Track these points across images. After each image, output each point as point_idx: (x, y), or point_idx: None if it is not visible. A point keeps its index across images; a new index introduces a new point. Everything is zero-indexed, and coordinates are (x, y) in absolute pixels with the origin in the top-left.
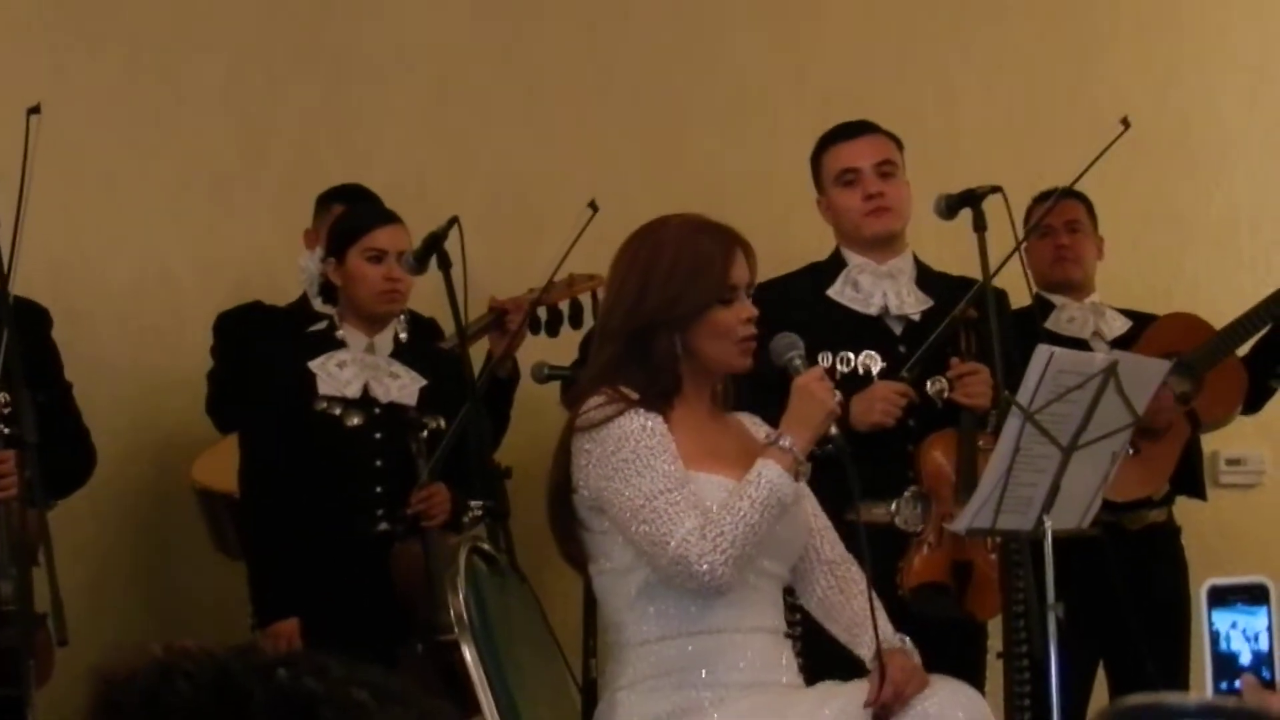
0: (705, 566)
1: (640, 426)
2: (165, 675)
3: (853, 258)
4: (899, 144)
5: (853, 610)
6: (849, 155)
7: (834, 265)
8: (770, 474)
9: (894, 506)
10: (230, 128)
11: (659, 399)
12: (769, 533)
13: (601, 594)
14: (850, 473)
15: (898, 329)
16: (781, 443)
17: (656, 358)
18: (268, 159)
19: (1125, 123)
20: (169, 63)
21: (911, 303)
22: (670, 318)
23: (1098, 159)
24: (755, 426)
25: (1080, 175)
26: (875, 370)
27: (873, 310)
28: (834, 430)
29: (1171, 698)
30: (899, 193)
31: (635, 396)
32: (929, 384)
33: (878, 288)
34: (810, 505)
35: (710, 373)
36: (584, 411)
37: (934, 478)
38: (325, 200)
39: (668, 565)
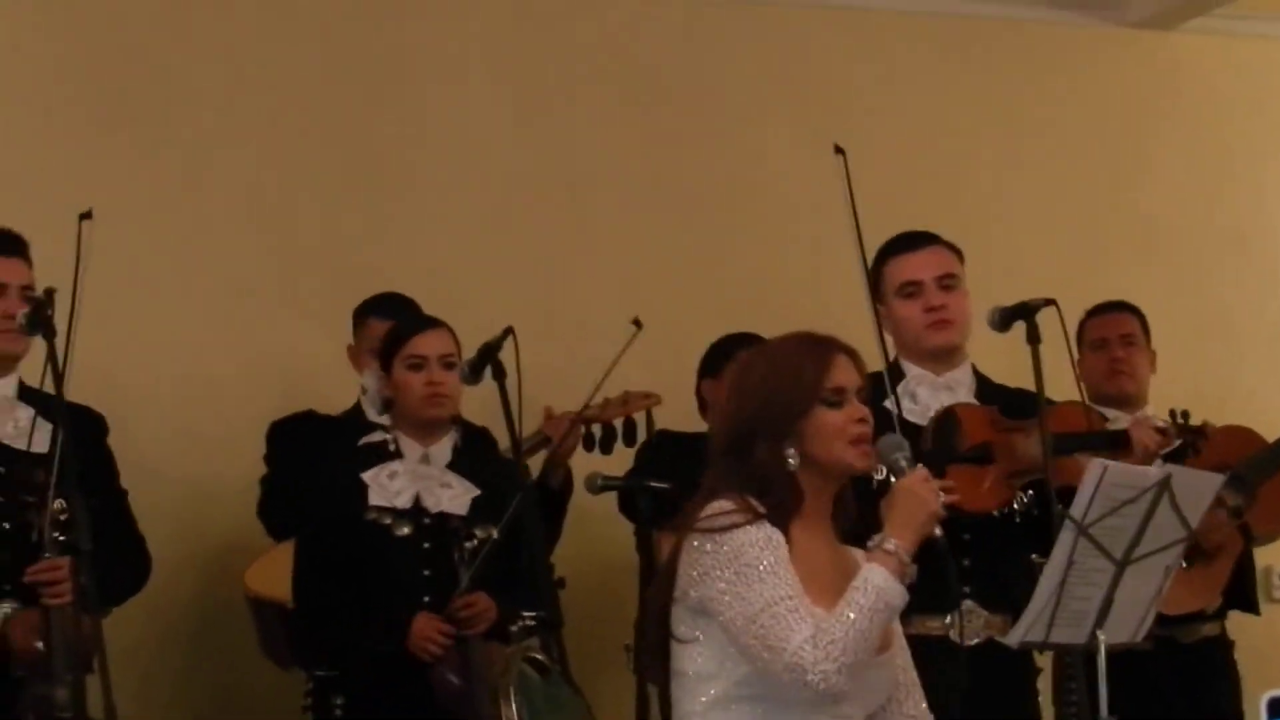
0: (819, 675)
1: (765, 537)
2: None
3: (911, 369)
4: (960, 255)
5: None
6: (912, 267)
7: (892, 376)
8: (876, 578)
9: (949, 620)
10: (276, 235)
11: (779, 513)
12: (877, 638)
13: (677, 700)
14: (950, 574)
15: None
16: (886, 546)
17: (763, 466)
18: (314, 267)
19: None
20: (215, 170)
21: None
22: (770, 421)
23: None
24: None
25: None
26: None
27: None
28: (939, 532)
29: None
30: (960, 305)
31: (762, 510)
32: None
33: (936, 399)
34: (903, 659)
35: (830, 481)
36: (708, 515)
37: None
38: (362, 313)
39: (782, 672)
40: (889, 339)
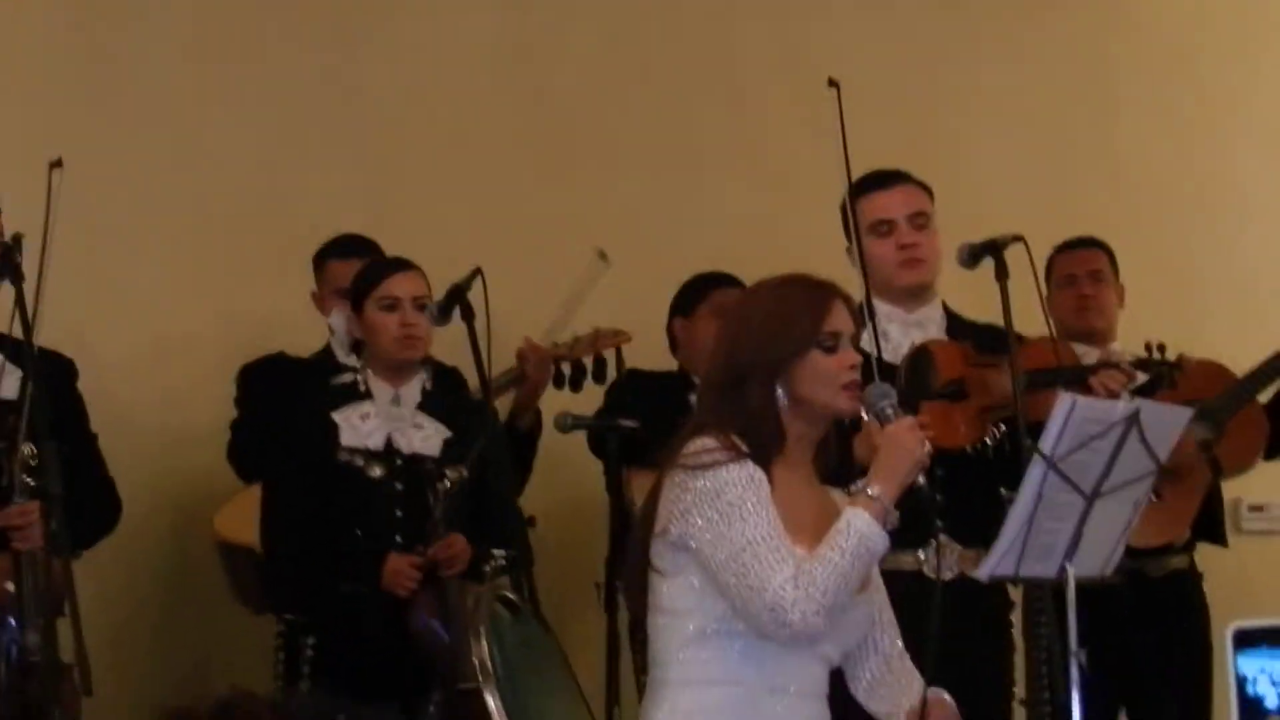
0: (798, 615)
1: (748, 475)
2: (226, 713)
3: (881, 307)
4: (930, 194)
5: (899, 689)
6: (883, 205)
7: (861, 314)
8: (859, 523)
9: (922, 555)
10: (247, 183)
11: (763, 452)
12: (857, 582)
13: (654, 633)
14: (933, 523)
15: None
16: (870, 491)
17: (753, 405)
18: (285, 213)
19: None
20: (185, 121)
21: None
22: (765, 363)
23: None
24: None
25: None
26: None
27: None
28: (922, 480)
29: None
30: (932, 243)
31: (745, 448)
32: None
33: (907, 337)
34: (880, 598)
35: (816, 424)
36: (691, 452)
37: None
38: (322, 255)
39: (760, 611)
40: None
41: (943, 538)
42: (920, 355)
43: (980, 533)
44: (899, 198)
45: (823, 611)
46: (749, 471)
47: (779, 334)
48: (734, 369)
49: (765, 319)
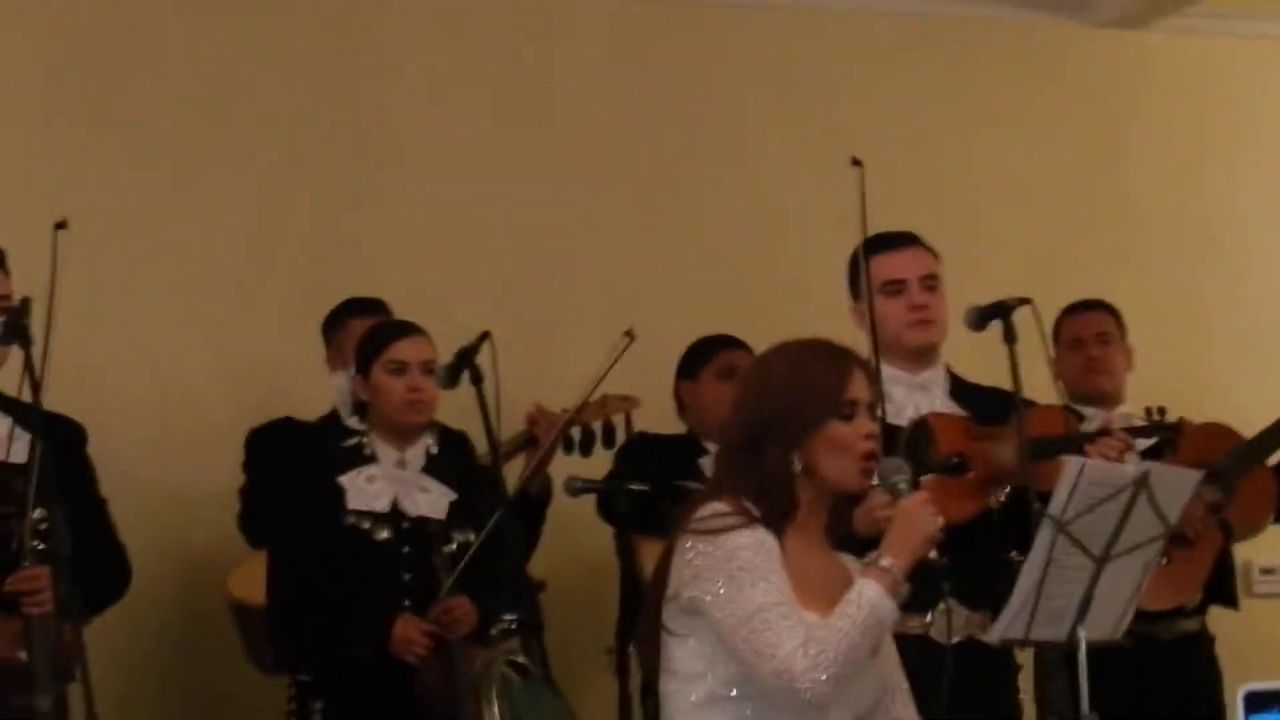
0: (807, 682)
1: (759, 541)
2: None
3: (885, 369)
4: (937, 257)
5: None
6: (895, 266)
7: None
8: (870, 594)
9: (929, 617)
10: (249, 241)
11: (775, 519)
12: (867, 652)
13: (665, 697)
14: (940, 589)
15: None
16: (882, 563)
17: (768, 471)
18: (288, 271)
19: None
20: (192, 179)
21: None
22: (784, 429)
23: None
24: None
25: None
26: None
27: (904, 422)
28: (934, 555)
29: None
30: (941, 306)
31: (757, 513)
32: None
33: (911, 399)
34: (891, 664)
35: (828, 494)
36: (702, 516)
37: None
38: (335, 316)
39: (770, 677)
40: (863, 338)
41: (949, 601)
42: (919, 429)
43: (986, 596)
44: (911, 259)
45: (831, 680)
46: (760, 537)
47: (800, 400)
48: (751, 433)
49: (786, 384)
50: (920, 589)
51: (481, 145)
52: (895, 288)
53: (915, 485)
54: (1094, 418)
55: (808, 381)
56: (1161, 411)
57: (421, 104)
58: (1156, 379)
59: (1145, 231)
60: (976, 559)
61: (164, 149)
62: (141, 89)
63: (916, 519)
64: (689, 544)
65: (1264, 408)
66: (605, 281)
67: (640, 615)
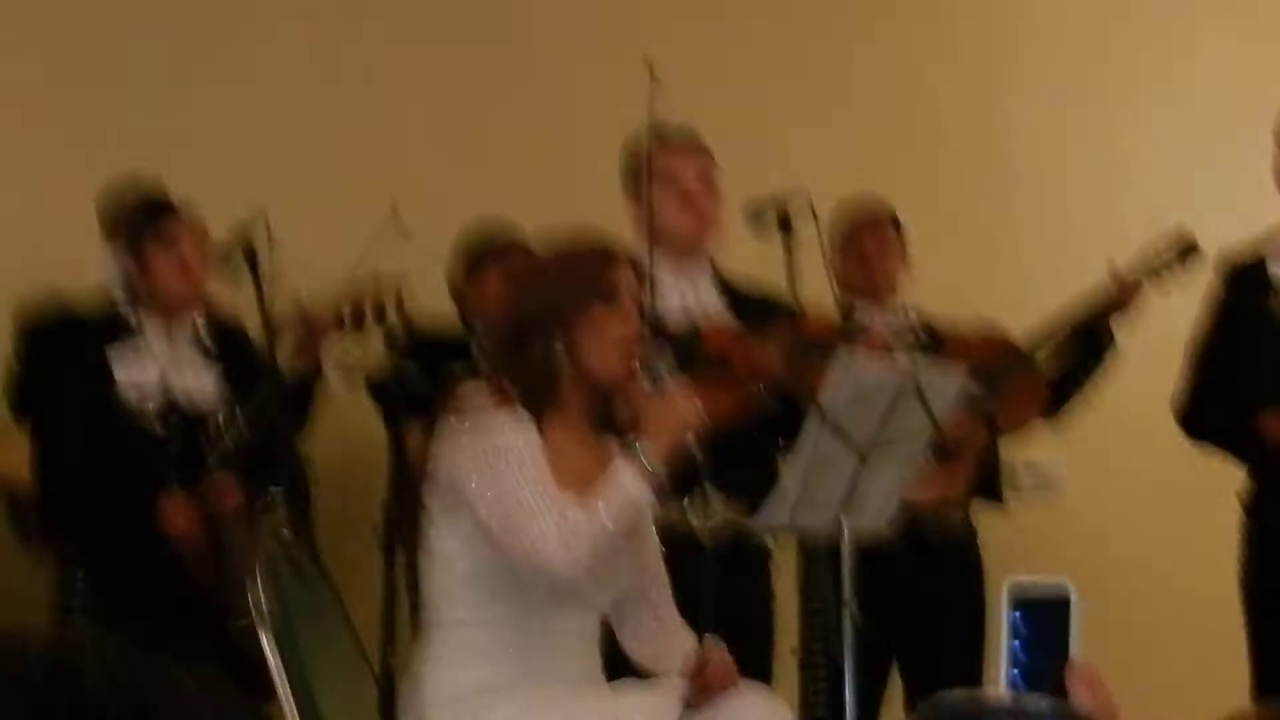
0: (558, 564)
1: (514, 424)
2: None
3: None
4: (713, 160)
5: (668, 632)
6: (679, 164)
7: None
8: (625, 479)
9: (686, 501)
10: (42, 116)
11: (534, 404)
12: (622, 538)
13: (425, 575)
14: (704, 485)
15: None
16: (638, 448)
17: (533, 359)
18: (72, 141)
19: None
20: None
21: (710, 306)
22: (547, 315)
23: None
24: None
25: None
26: None
27: (671, 311)
28: (691, 440)
29: (991, 694)
30: (718, 207)
31: (516, 397)
32: None
33: (677, 289)
34: (650, 547)
35: (591, 383)
36: (463, 398)
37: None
38: (111, 195)
39: (523, 561)
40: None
41: (705, 486)
42: (688, 332)
43: (743, 485)
44: (693, 160)
45: (582, 562)
46: (514, 419)
47: (562, 286)
48: (516, 324)
49: (550, 273)
50: (678, 475)
51: (272, 29)
52: (674, 183)
53: (676, 373)
54: (865, 311)
55: (570, 269)
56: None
57: None
58: (932, 284)
59: (941, 133)
60: (736, 449)
61: None
62: None
63: (675, 406)
64: (449, 425)
65: (1034, 314)
66: (384, 161)
67: (401, 494)
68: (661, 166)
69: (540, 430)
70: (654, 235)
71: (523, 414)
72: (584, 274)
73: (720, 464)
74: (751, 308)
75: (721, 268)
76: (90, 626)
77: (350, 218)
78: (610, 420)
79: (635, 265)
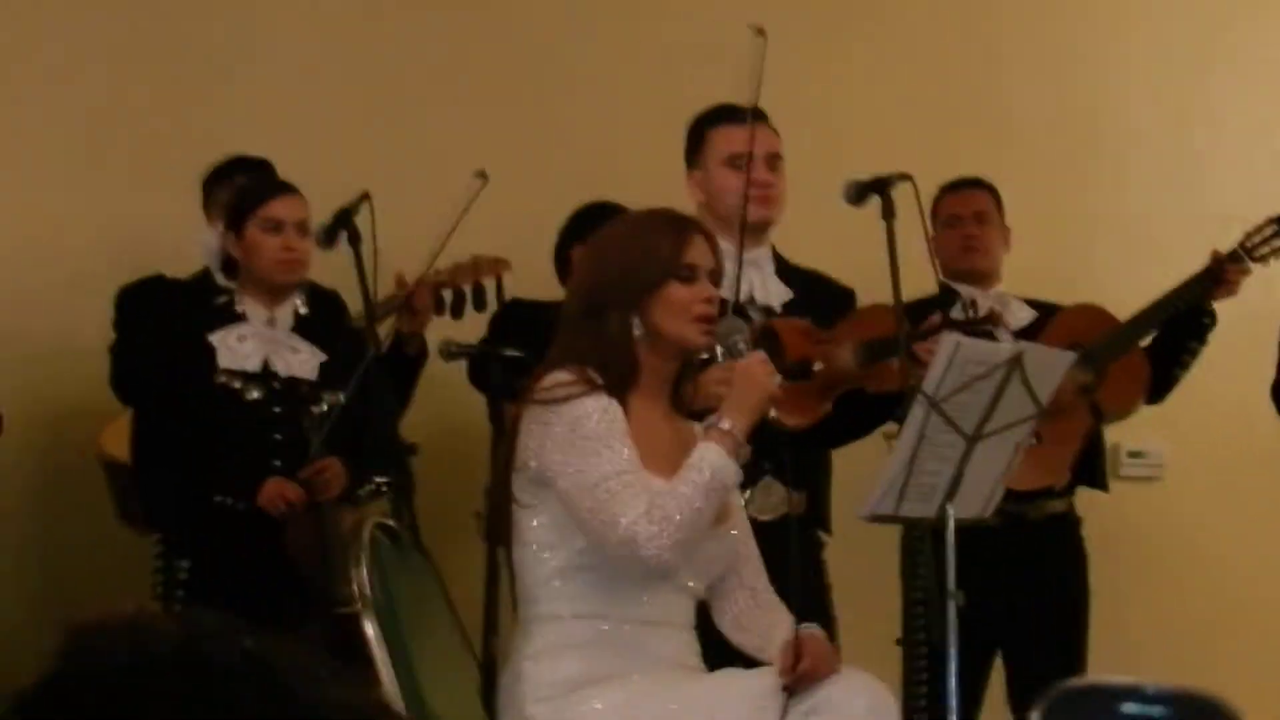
0: (652, 550)
1: (602, 409)
2: (135, 631)
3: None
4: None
5: (768, 620)
6: (742, 140)
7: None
8: (711, 456)
9: (748, 495)
10: (128, 90)
11: (618, 385)
12: (711, 515)
13: (520, 569)
14: (785, 456)
15: (757, 318)
16: (722, 425)
17: (610, 336)
18: (170, 125)
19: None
20: (60, 34)
21: (776, 293)
22: (623, 292)
23: None
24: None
25: None
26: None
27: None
28: (773, 414)
29: (1110, 679)
30: (783, 186)
31: (600, 381)
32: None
33: (742, 275)
34: (743, 532)
35: (671, 357)
36: (546, 386)
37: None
38: (217, 174)
39: (616, 546)
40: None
41: (766, 479)
42: (766, 335)
43: (805, 477)
44: (758, 135)
45: (676, 545)
46: (603, 404)
47: (637, 263)
48: (592, 300)
49: (625, 249)
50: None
51: (365, 11)
52: (740, 161)
53: (752, 346)
54: (971, 295)
55: (646, 245)
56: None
57: None
58: (1038, 269)
59: (1028, 118)
60: (797, 441)
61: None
62: None
63: (755, 378)
64: (534, 413)
65: (1141, 296)
66: (482, 143)
67: (491, 485)
68: (728, 142)
69: (625, 410)
70: (714, 216)
71: (606, 398)
72: (658, 247)
73: (778, 455)
74: (812, 287)
75: (780, 251)
76: (212, 611)
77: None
78: (691, 398)
79: (709, 237)
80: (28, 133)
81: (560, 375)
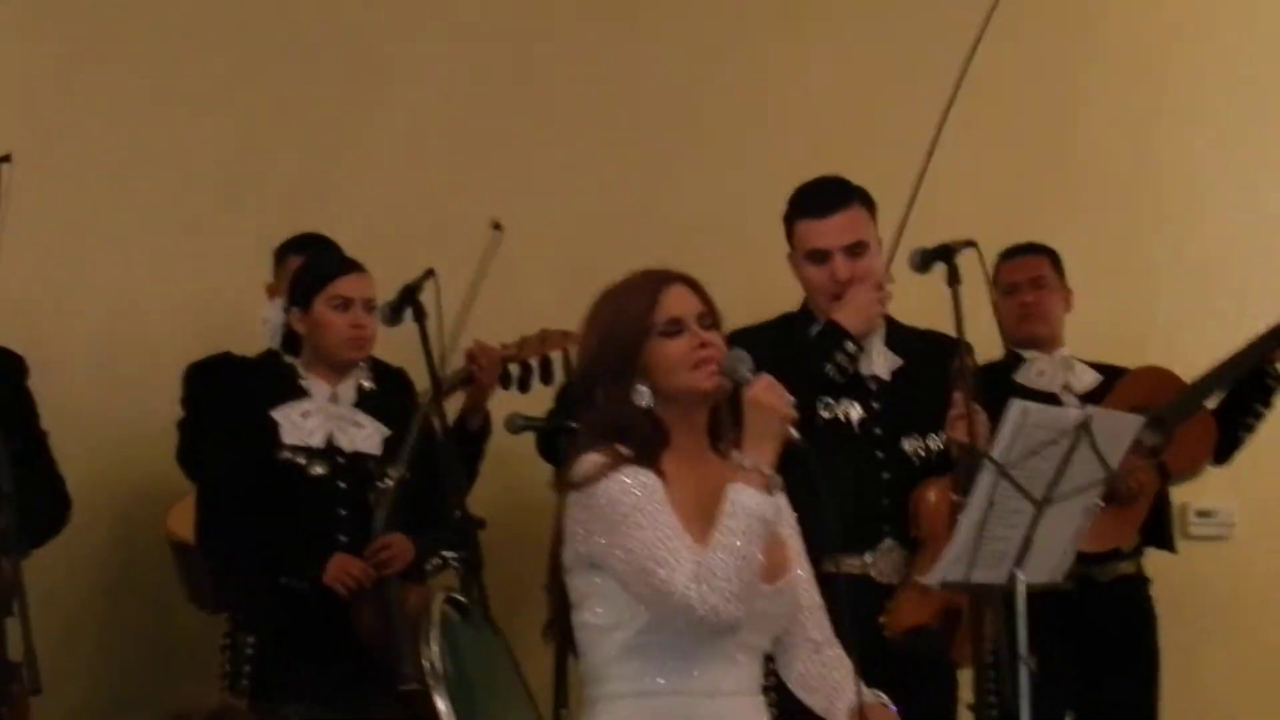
0: (709, 609)
1: (635, 481)
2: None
3: (821, 316)
4: (871, 206)
5: (834, 680)
6: (819, 235)
7: (804, 320)
8: (742, 498)
9: (868, 558)
10: (207, 174)
11: (646, 453)
12: (757, 555)
13: (583, 646)
14: (814, 468)
15: (872, 386)
16: (745, 463)
17: (614, 410)
18: (243, 205)
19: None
20: (143, 110)
21: (881, 364)
22: (608, 366)
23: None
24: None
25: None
26: (855, 418)
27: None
28: (795, 433)
29: None
30: (869, 270)
31: (628, 454)
32: (904, 441)
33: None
34: (804, 583)
35: (690, 407)
36: (579, 470)
37: (930, 520)
38: (284, 250)
39: (674, 615)
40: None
41: (887, 542)
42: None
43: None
44: (836, 227)
45: (732, 599)
46: (636, 476)
47: (613, 333)
48: (586, 379)
49: (600, 323)
50: (859, 528)
51: (438, 88)
52: (820, 256)
53: (757, 371)
54: (1035, 360)
55: (617, 313)
56: None
57: (380, 48)
58: (1104, 325)
59: (1095, 177)
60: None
61: (125, 88)
62: (104, 31)
63: (765, 405)
64: (573, 498)
65: (1207, 354)
66: (552, 221)
67: (548, 570)
68: (808, 237)
69: (661, 475)
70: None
71: (639, 471)
72: (628, 312)
73: (901, 515)
74: (924, 347)
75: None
76: (255, 701)
77: (523, 275)
78: (726, 433)
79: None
80: (113, 215)
81: (590, 456)
